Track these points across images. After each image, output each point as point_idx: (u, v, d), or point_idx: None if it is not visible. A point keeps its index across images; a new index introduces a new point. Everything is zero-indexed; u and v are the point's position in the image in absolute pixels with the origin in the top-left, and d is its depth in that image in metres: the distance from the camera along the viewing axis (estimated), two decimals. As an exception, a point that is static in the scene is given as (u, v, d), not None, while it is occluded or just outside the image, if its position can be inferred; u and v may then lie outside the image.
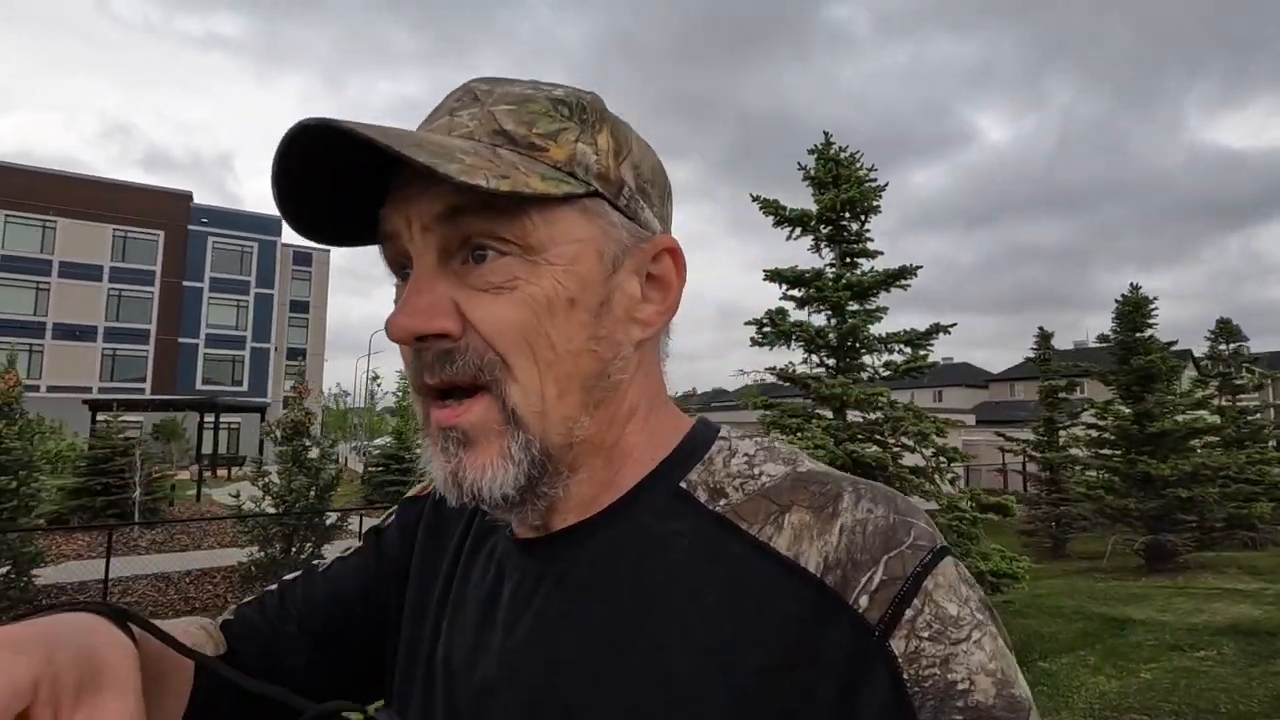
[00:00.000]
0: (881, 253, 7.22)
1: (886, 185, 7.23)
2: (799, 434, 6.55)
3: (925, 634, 0.38)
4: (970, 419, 22.71)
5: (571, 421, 0.44)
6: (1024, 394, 54.89)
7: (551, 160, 0.44)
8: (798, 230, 7.34)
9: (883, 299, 7.20)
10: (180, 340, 38.01)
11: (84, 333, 35.33)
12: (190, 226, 38.59)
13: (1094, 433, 11.26)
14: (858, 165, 7.25)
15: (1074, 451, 12.82)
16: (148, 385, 36.28)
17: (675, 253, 0.49)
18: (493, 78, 0.47)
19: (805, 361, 7.66)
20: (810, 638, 0.38)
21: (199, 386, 37.47)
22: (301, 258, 45.95)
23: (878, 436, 6.60)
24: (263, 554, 10.79)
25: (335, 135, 0.39)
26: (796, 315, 7.40)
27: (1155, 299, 10.76)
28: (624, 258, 0.46)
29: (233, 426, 34.77)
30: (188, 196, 39.31)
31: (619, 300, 0.46)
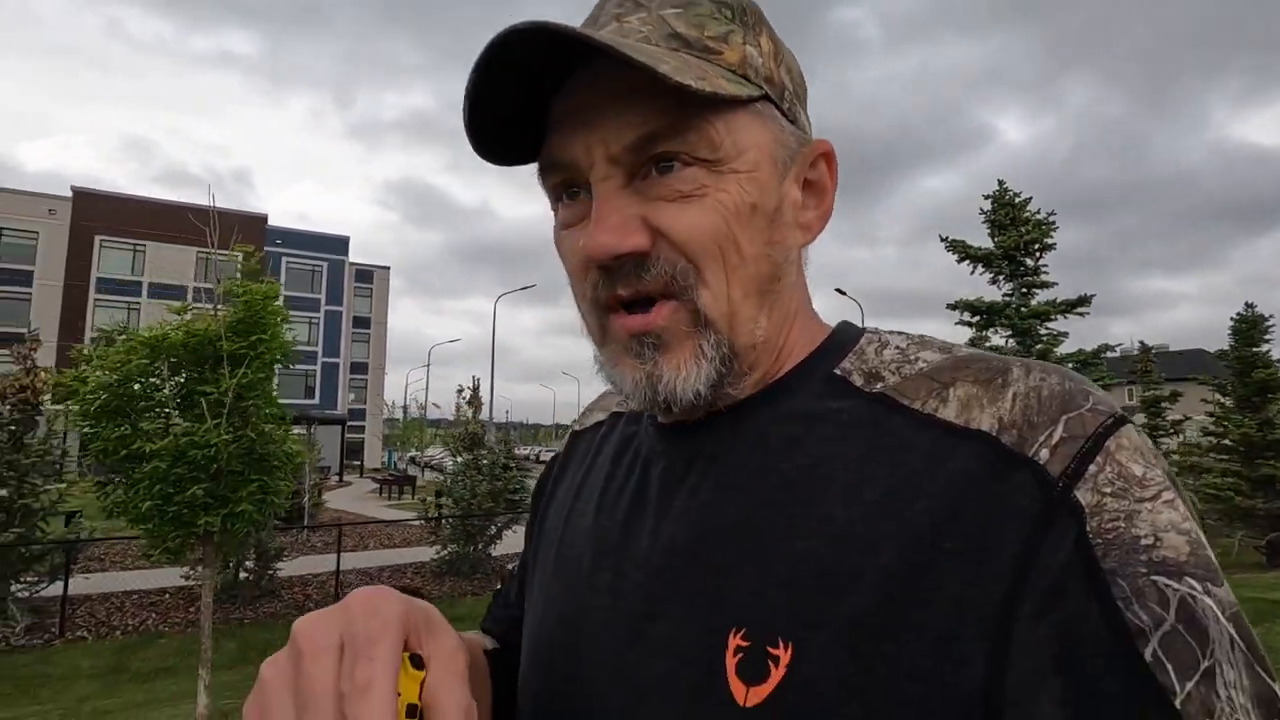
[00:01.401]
0: (1056, 283, 8.35)
1: (1056, 227, 8.36)
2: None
3: (1108, 489, 0.36)
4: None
5: (753, 323, 0.45)
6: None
7: (726, 63, 0.44)
8: (979, 266, 8.50)
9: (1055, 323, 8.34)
10: (257, 356, 39.87)
11: (170, 350, 37.25)
12: (266, 248, 40.57)
13: (1212, 439, 12.20)
14: (1030, 209, 8.40)
15: (1175, 457, 13.72)
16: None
17: (830, 157, 0.50)
18: None
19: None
20: (985, 491, 0.37)
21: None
22: (363, 275, 47.80)
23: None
24: (447, 550, 12.14)
25: (536, 37, 0.39)
26: (974, 338, 8.56)
27: (1271, 316, 11.74)
28: (791, 163, 0.47)
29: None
30: (263, 219, 41.26)
31: (787, 206, 0.47)
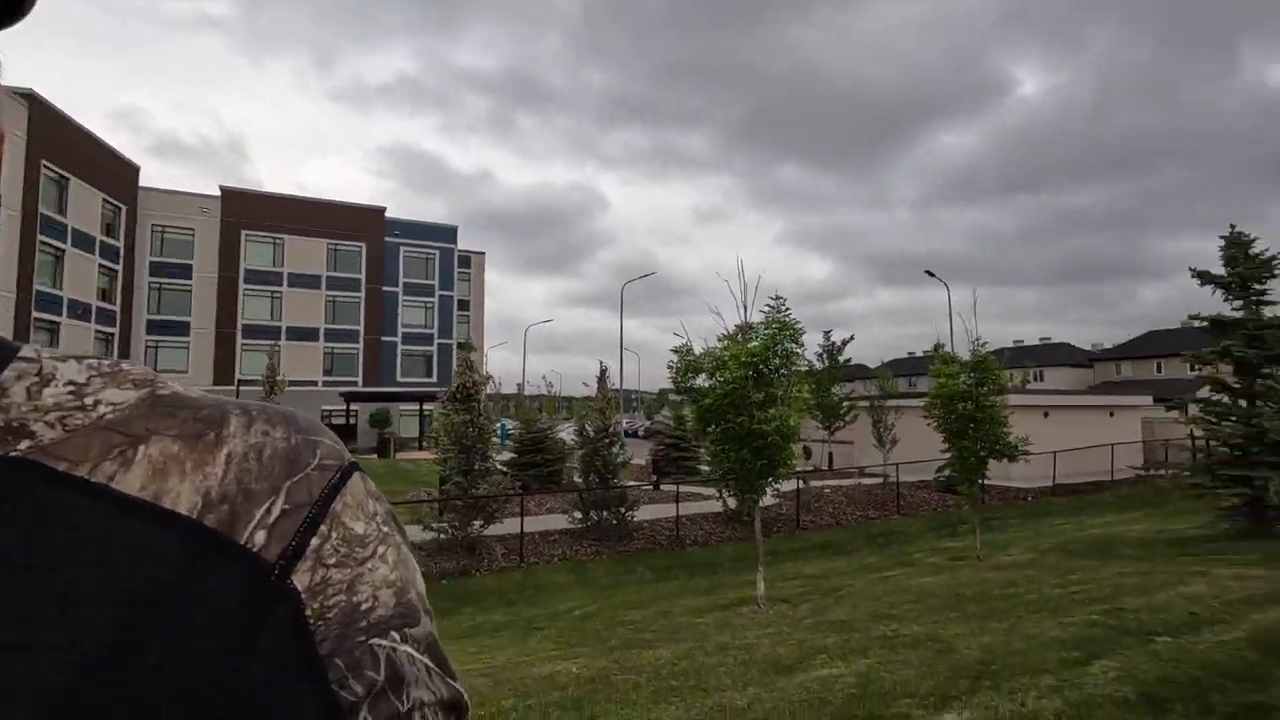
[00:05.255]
0: (1278, 302, 11.33)
1: None
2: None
3: (332, 560, 0.35)
4: None
5: None
6: (1133, 373, 53.57)
7: None
8: (1213, 287, 11.53)
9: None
10: (382, 339, 43.46)
11: (309, 334, 41.04)
12: (386, 238, 43.92)
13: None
14: (1257, 247, 11.37)
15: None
16: (359, 379, 41.91)
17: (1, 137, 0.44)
18: None
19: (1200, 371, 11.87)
20: (180, 598, 0.30)
21: (399, 379, 43.00)
22: (463, 261, 50.97)
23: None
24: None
25: None
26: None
27: None
28: None
29: (427, 413, 40.09)
30: (382, 211, 44.56)
31: None
